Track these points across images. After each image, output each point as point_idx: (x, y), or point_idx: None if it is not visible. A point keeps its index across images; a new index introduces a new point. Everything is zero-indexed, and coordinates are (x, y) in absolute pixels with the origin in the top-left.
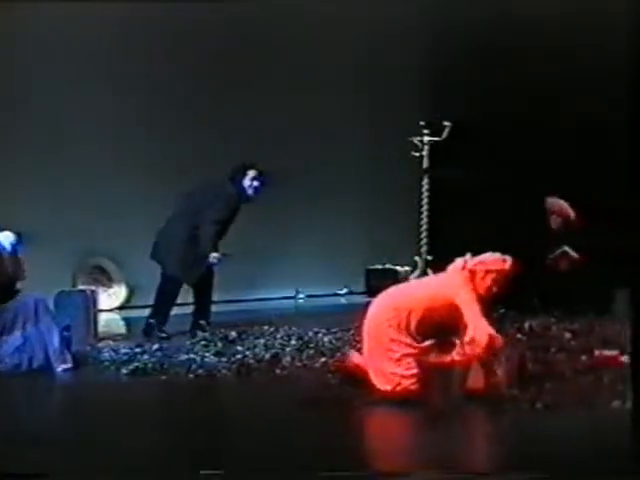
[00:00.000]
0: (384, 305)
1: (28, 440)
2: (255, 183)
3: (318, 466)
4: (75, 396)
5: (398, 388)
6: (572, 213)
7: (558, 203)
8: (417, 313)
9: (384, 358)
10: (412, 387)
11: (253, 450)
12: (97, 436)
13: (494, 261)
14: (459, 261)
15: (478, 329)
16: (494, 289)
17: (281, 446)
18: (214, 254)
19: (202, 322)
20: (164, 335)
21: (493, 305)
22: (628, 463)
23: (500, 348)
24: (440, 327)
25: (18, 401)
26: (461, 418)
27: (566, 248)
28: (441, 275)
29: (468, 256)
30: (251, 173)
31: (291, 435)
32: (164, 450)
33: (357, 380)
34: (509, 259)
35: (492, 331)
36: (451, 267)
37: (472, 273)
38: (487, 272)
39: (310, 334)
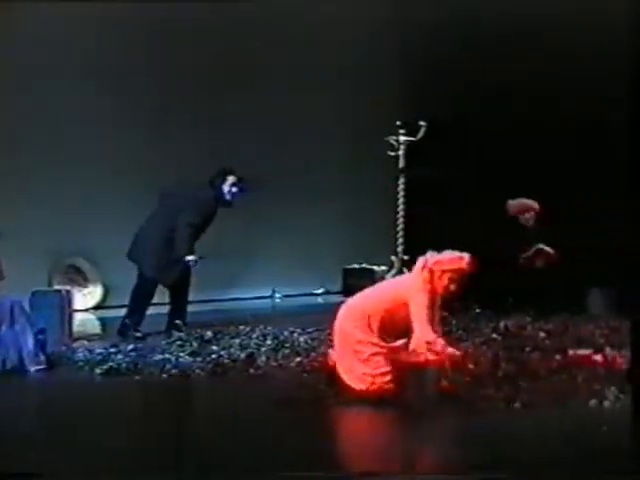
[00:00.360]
0: (351, 307)
1: (12, 440)
2: (234, 189)
3: (294, 466)
4: (48, 397)
5: (372, 387)
6: (536, 205)
7: (519, 202)
8: (376, 316)
9: (353, 359)
10: (386, 385)
11: (228, 450)
12: (74, 436)
13: (451, 260)
14: (420, 261)
15: (419, 335)
16: (452, 287)
17: (256, 446)
18: (189, 257)
19: (178, 322)
20: (139, 335)
21: (469, 304)
22: (602, 462)
23: (442, 352)
24: (408, 327)
25: None
26: (437, 417)
27: (541, 245)
28: (404, 276)
29: (429, 254)
30: (231, 179)
31: (266, 435)
32: (138, 450)
33: (337, 379)
34: (466, 257)
35: (432, 337)
36: (414, 267)
37: (431, 273)
38: (444, 271)
39: (286, 334)
